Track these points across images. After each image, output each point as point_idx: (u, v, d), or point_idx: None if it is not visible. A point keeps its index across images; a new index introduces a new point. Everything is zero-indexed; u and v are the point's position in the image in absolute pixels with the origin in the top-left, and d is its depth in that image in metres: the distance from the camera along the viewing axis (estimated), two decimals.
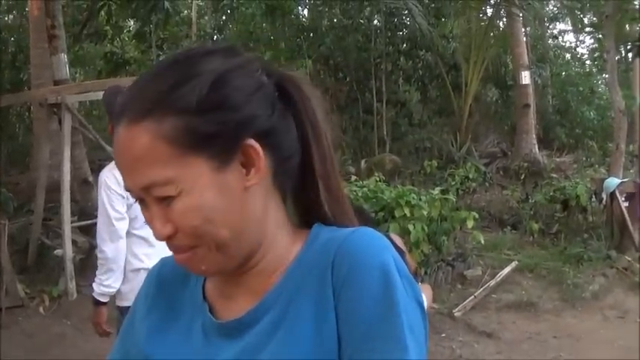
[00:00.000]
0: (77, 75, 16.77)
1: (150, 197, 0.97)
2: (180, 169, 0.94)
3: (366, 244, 0.99)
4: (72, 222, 7.94)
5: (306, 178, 1.07)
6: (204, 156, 0.95)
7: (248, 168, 0.98)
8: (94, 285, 3.71)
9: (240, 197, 0.98)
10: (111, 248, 3.62)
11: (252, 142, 0.97)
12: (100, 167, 4.11)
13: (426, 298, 4.66)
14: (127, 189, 0.99)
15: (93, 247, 3.82)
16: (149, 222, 1.00)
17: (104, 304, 3.75)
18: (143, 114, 0.94)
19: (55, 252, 8.13)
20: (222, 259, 1.00)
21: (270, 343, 0.98)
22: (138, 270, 3.64)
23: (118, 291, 3.75)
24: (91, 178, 9.20)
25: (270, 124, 1.00)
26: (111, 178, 3.55)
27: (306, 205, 1.09)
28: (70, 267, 7.35)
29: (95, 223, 3.80)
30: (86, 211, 8.68)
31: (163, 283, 1.18)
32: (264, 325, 1.00)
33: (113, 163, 2.60)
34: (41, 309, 7.34)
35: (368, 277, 0.95)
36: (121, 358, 1.15)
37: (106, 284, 3.66)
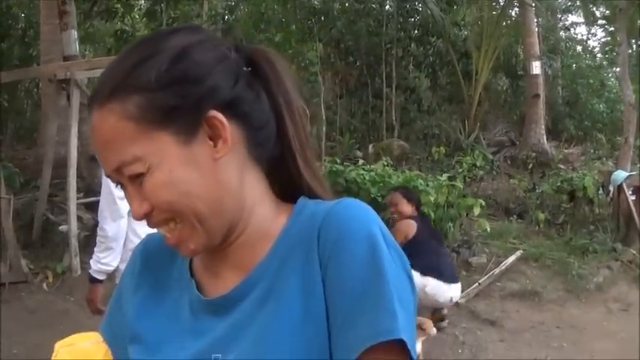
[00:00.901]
0: (87, 52, 16.74)
1: (124, 178, 0.98)
2: (146, 145, 0.95)
3: (352, 214, 0.99)
4: (77, 198, 7.97)
5: (283, 150, 1.07)
6: (169, 130, 0.95)
7: (215, 140, 0.98)
8: (92, 262, 3.74)
9: (211, 169, 0.98)
10: (112, 227, 3.64)
11: (215, 113, 0.97)
12: None
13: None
14: (106, 175, 1.01)
15: (98, 224, 3.82)
16: (128, 203, 1.01)
17: (100, 281, 3.76)
18: (108, 96, 0.96)
19: (60, 228, 8.16)
20: (206, 234, 1.00)
21: (257, 317, 0.98)
22: None
23: (119, 270, 3.76)
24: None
25: (233, 95, 1.00)
26: None
27: (287, 177, 1.09)
28: (74, 243, 7.38)
29: None
30: (92, 187, 8.69)
31: (149, 260, 1.18)
32: (251, 300, 1.00)
33: None
34: (45, 285, 7.38)
35: (354, 247, 0.95)
36: (110, 338, 1.16)
37: (104, 262, 3.68)
